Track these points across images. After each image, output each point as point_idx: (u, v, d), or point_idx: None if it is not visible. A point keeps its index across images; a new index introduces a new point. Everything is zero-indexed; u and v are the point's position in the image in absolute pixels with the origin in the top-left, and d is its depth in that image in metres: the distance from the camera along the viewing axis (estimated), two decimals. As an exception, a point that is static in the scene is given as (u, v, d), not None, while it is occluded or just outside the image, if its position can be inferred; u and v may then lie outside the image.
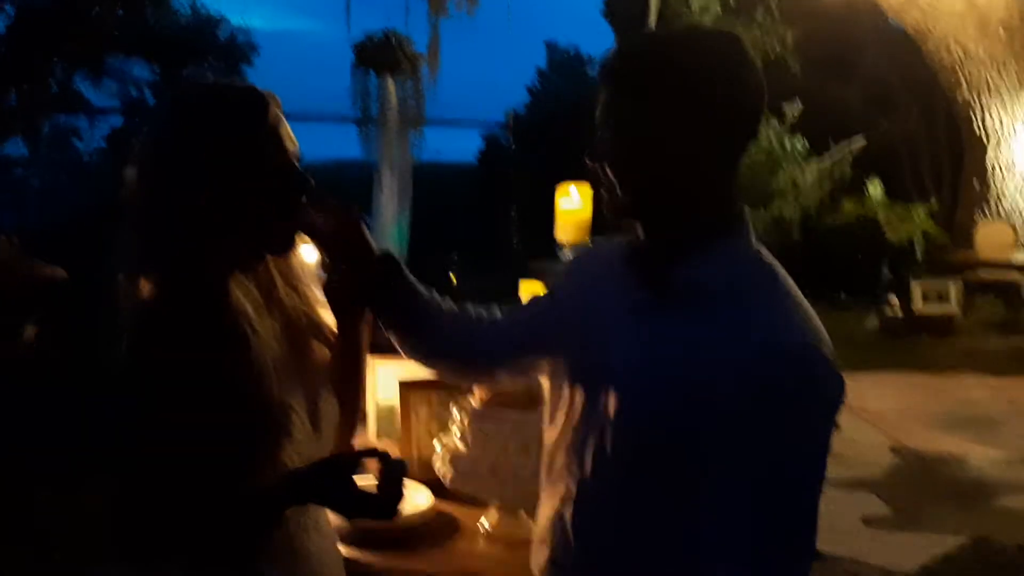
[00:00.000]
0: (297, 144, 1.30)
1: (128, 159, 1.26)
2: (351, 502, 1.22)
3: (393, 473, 1.24)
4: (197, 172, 1.21)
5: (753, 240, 1.17)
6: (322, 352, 1.37)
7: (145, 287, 1.21)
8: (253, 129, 1.24)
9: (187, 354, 1.16)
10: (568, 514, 1.22)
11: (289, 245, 1.32)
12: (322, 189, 1.31)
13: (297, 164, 1.29)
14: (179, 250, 1.21)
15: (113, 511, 1.17)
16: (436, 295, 1.40)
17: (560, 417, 1.27)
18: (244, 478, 1.20)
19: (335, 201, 1.32)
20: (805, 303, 1.14)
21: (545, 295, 1.41)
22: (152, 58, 13.35)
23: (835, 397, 1.11)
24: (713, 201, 1.16)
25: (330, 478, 1.21)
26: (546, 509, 1.28)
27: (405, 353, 1.43)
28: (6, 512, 3.72)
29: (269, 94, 1.28)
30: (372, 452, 1.26)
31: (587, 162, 1.18)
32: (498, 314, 1.43)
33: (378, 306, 1.38)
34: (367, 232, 1.34)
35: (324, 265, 1.37)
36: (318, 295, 1.38)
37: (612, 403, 1.16)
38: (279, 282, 1.34)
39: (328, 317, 1.38)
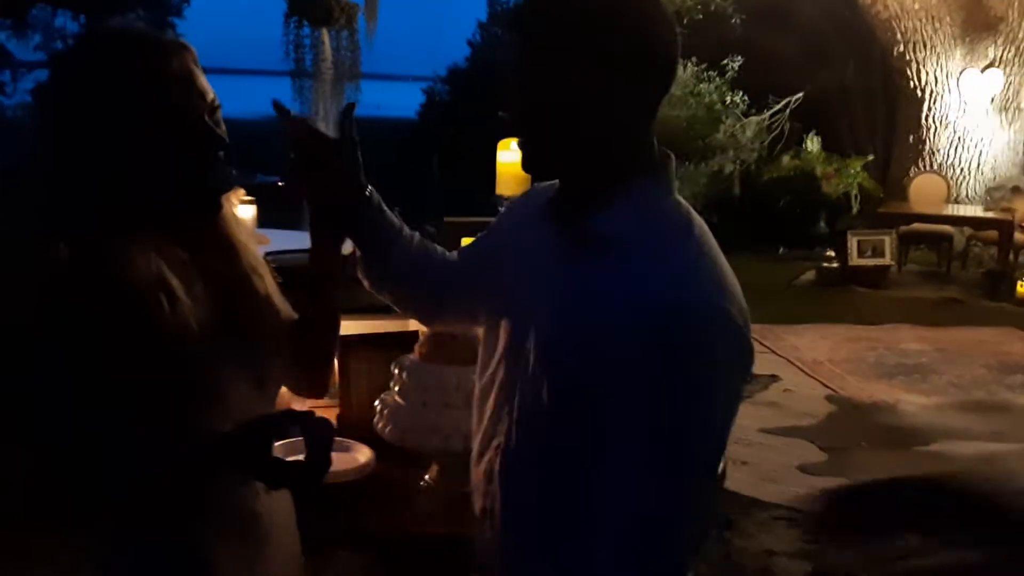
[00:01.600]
0: (213, 99, 1.22)
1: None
2: (270, 470, 1.14)
3: (317, 437, 1.15)
4: (97, 124, 1.14)
5: (673, 191, 1.15)
6: (260, 314, 1.31)
7: (46, 249, 1.14)
8: (156, 77, 1.16)
9: (85, 319, 1.10)
10: (497, 463, 1.22)
11: (209, 207, 1.25)
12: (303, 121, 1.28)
13: (211, 120, 1.21)
14: (79, 209, 1.15)
15: (31, 477, 1.11)
16: (406, 229, 1.38)
17: (488, 364, 1.27)
18: (168, 442, 1.15)
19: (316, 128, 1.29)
20: (720, 259, 1.12)
21: (483, 235, 1.40)
22: (78, 9, 12.88)
23: (737, 358, 1.09)
24: (627, 152, 1.14)
25: (247, 444, 1.14)
26: (477, 457, 1.28)
27: (368, 283, 1.39)
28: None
29: (179, 43, 1.21)
30: (293, 414, 1.18)
31: (499, 113, 1.16)
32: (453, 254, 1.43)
33: (357, 237, 1.35)
34: (357, 158, 1.30)
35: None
36: (254, 255, 1.33)
37: (531, 351, 1.16)
38: (211, 247, 1.27)
39: (261, 283, 1.32)
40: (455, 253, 1.43)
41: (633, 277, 1.08)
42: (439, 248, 1.43)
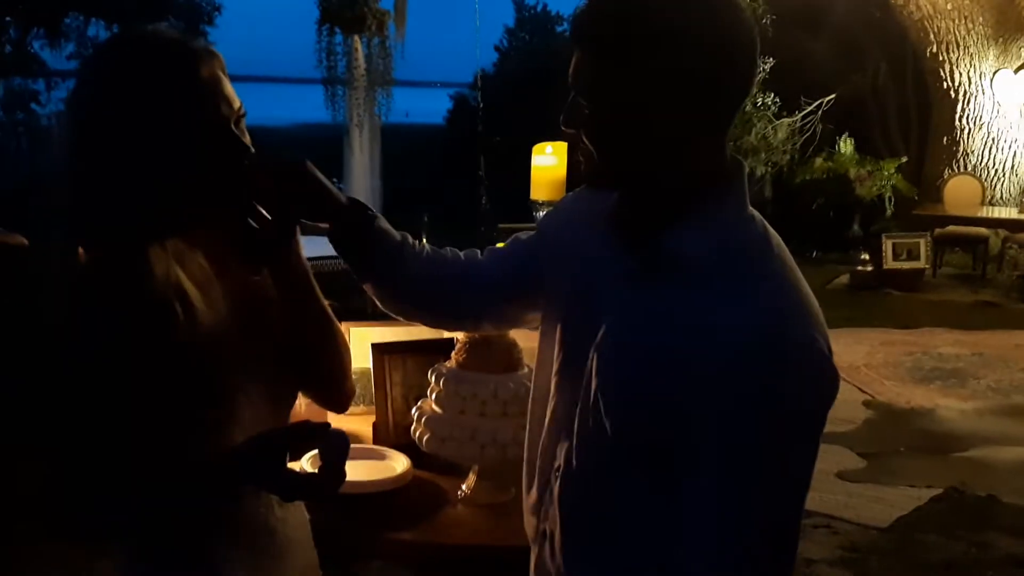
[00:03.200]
0: (240, 107, 1.20)
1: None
2: (285, 483, 1.13)
3: (332, 448, 1.14)
4: (123, 129, 1.13)
5: (747, 205, 1.08)
6: (276, 325, 1.28)
7: (66, 255, 1.14)
8: (183, 83, 1.14)
9: (102, 324, 1.09)
10: (557, 487, 1.17)
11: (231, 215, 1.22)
12: (261, 149, 1.19)
13: (236, 128, 1.19)
14: (102, 214, 1.13)
15: (49, 492, 1.10)
16: (411, 238, 1.31)
17: (543, 380, 1.22)
18: (178, 457, 1.13)
19: (278, 157, 1.21)
20: (801, 279, 1.06)
21: (532, 235, 1.32)
22: (111, 18, 13.02)
23: (829, 393, 1.03)
24: (700, 167, 1.06)
25: (260, 458, 1.12)
26: (533, 478, 1.23)
27: (383, 304, 1.33)
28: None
29: (205, 49, 1.18)
30: (308, 427, 1.16)
31: (562, 128, 1.09)
32: (479, 255, 1.34)
33: (353, 256, 1.28)
34: (323, 179, 1.23)
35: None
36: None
37: (592, 375, 1.10)
38: (229, 251, 1.24)
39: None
40: (477, 252, 1.35)
41: (714, 304, 1.01)
42: (450, 250, 1.35)
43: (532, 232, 1.34)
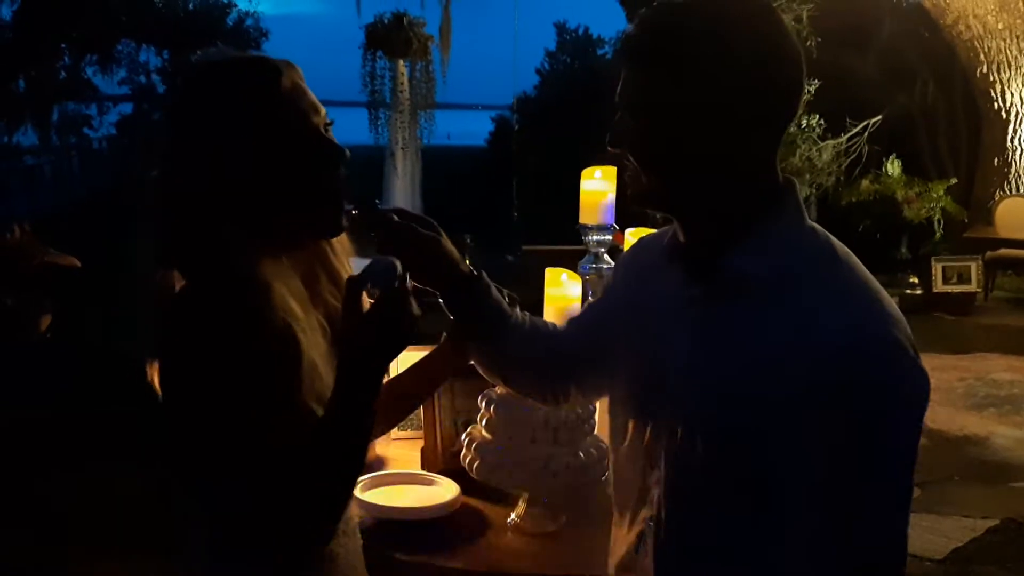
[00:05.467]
0: (324, 113, 1.22)
1: (144, 148, 1.19)
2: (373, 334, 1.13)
3: (379, 276, 1.13)
4: (217, 150, 1.14)
5: (806, 218, 1.07)
6: None
7: (176, 282, 1.14)
8: (268, 98, 1.16)
9: (239, 349, 1.08)
10: (649, 540, 1.13)
11: (335, 227, 1.23)
12: (405, 213, 1.22)
13: (327, 134, 1.21)
14: (209, 239, 1.13)
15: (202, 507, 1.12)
16: (516, 309, 1.33)
17: (623, 436, 1.18)
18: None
19: (415, 229, 1.23)
20: (875, 283, 1.02)
21: (600, 298, 1.34)
22: (161, 44, 13.31)
23: (920, 395, 0.99)
24: (752, 184, 1.04)
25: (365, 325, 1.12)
26: (621, 532, 1.20)
27: (483, 371, 1.37)
28: (8, 496, 3.73)
29: (285, 62, 1.20)
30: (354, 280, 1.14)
31: (608, 148, 1.08)
32: (557, 326, 1.37)
33: (465, 327, 1.31)
34: (453, 253, 1.26)
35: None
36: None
37: (673, 411, 1.08)
38: (323, 278, 1.26)
39: None
40: (564, 324, 1.37)
41: (791, 315, 0.99)
42: (549, 323, 1.39)
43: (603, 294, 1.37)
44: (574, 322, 1.35)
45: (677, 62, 1.01)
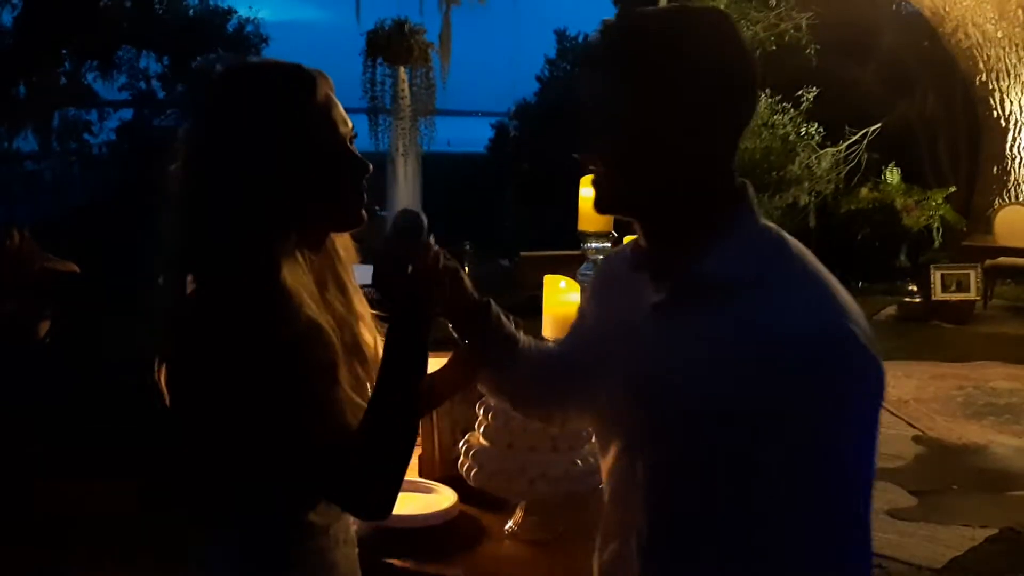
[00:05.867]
0: (351, 125, 1.23)
1: (167, 152, 1.19)
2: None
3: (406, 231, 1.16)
4: (250, 156, 1.15)
5: (760, 219, 1.10)
6: (364, 364, 1.29)
7: (201, 283, 1.15)
8: (304, 107, 1.17)
9: (283, 344, 1.10)
10: (632, 542, 1.15)
11: (355, 222, 1.25)
12: (431, 249, 1.22)
13: (352, 146, 1.23)
14: (244, 240, 1.14)
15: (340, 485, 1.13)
16: (524, 337, 1.35)
17: (609, 444, 1.21)
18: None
19: (436, 248, 1.24)
20: (827, 276, 1.06)
21: (576, 320, 1.36)
22: (162, 50, 13.32)
23: (875, 384, 1.02)
24: (711, 185, 1.09)
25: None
26: (608, 540, 1.22)
27: (490, 394, 1.41)
28: (9, 508, 3.72)
29: (318, 72, 1.21)
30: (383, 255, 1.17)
31: (575, 155, 1.12)
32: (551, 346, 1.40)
33: (475, 354, 1.34)
34: (470, 290, 1.28)
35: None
36: (362, 309, 1.31)
37: (652, 414, 1.10)
38: (331, 284, 1.27)
39: (367, 334, 1.30)
40: (557, 346, 1.40)
41: (750, 313, 1.02)
42: (549, 346, 1.41)
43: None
44: (564, 344, 1.38)
45: (637, 67, 1.06)
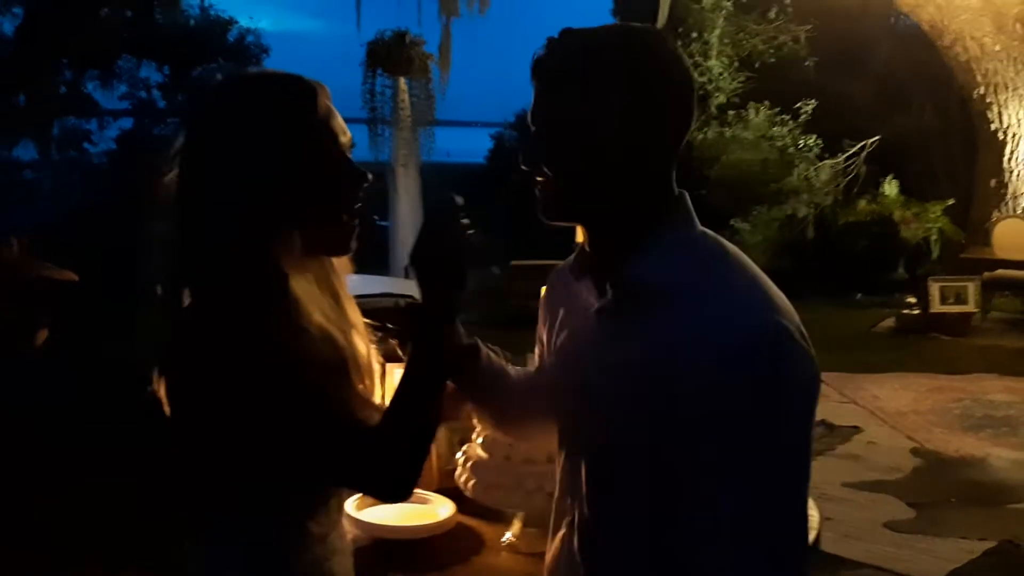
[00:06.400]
0: (350, 135, 1.24)
1: (161, 160, 1.20)
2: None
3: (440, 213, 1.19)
4: (250, 166, 1.15)
5: (696, 227, 1.15)
6: (359, 373, 1.29)
7: (201, 293, 1.15)
8: (305, 118, 1.18)
9: (294, 351, 1.11)
10: (575, 540, 1.19)
11: (348, 244, 1.26)
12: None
13: (350, 156, 1.23)
14: (245, 248, 1.15)
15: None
16: (508, 367, 1.39)
17: (560, 445, 1.27)
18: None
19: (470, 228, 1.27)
20: (762, 278, 1.10)
21: (537, 334, 1.40)
22: (161, 59, 13.33)
23: (808, 379, 1.06)
24: (649, 195, 1.13)
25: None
26: (555, 537, 1.26)
27: (482, 423, 1.49)
28: (9, 515, 3.72)
29: (317, 83, 1.22)
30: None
31: (521, 165, 1.15)
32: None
33: (465, 391, 1.37)
34: (463, 338, 1.31)
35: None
36: (355, 318, 1.32)
37: (592, 417, 1.15)
38: (325, 293, 1.27)
39: (360, 344, 1.31)
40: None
41: (684, 317, 1.06)
42: (532, 373, 1.43)
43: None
44: (537, 363, 1.42)
45: (582, 80, 1.10)
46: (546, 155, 1.13)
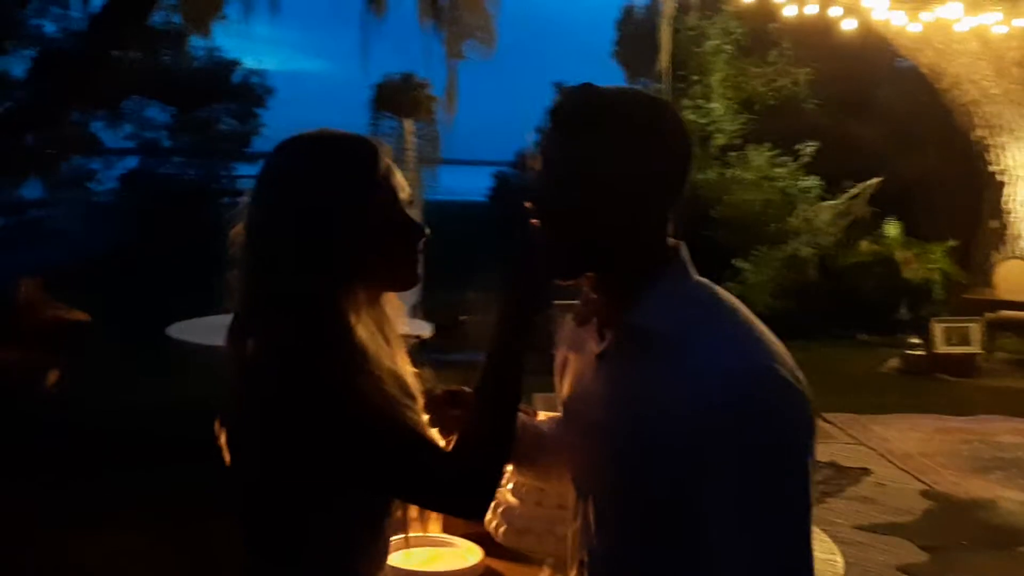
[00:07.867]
0: (409, 191, 1.29)
1: (230, 215, 1.24)
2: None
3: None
4: (316, 227, 1.19)
5: (693, 275, 1.19)
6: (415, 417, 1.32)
7: (265, 344, 1.19)
8: (368, 177, 1.22)
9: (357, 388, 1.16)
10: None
11: (415, 276, 1.30)
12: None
13: (409, 211, 1.28)
14: (313, 303, 1.19)
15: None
16: (522, 411, 1.40)
17: (573, 486, 1.30)
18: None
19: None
20: (756, 325, 1.13)
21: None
22: (168, 100, 13.47)
23: (805, 421, 1.09)
24: (647, 246, 1.18)
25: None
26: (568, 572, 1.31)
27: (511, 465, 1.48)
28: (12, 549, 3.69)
29: (378, 142, 1.27)
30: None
31: (527, 204, 1.19)
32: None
33: None
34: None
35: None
36: (405, 365, 1.35)
37: (595, 458, 1.19)
38: (382, 338, 1.30)
39: (415, 384, 1.34)
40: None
41: (680, 364, 1.09)
42: (547, 419, 1.49)
43: None
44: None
45: (598, 129, 1.15)
46: (553, 192, 1.17)
